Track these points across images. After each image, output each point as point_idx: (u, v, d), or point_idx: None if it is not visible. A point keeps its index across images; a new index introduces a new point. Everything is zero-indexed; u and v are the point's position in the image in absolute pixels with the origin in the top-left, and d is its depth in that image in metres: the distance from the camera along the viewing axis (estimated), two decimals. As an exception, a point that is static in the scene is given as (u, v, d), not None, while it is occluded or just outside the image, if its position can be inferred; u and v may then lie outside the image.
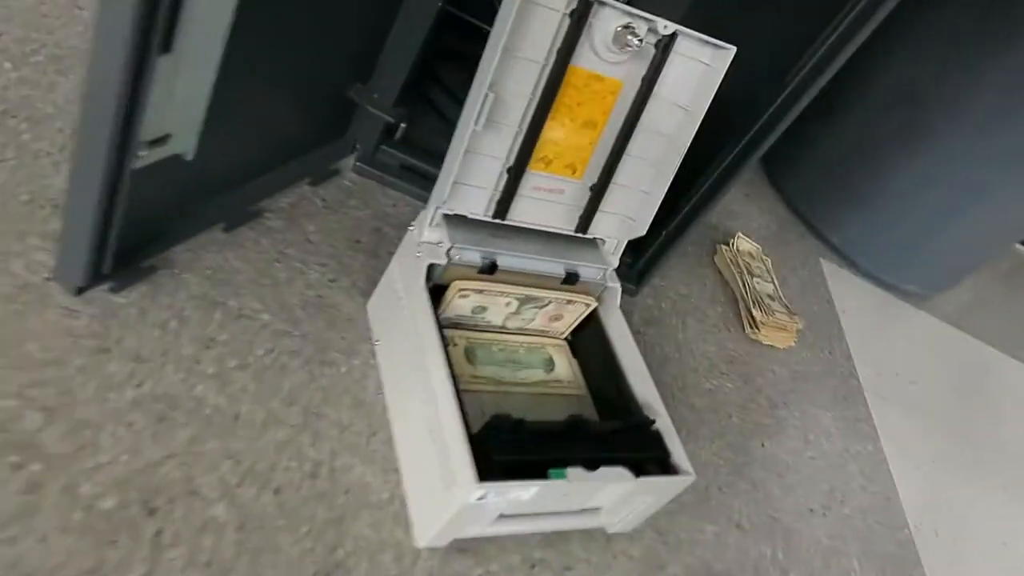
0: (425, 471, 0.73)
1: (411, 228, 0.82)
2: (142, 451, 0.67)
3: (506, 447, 0.70)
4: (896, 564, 1.07)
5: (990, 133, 1.42)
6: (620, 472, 0.74)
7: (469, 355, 0.85)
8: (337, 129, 1.04)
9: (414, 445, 0.77)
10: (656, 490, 0.79)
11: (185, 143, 0.68)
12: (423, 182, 1.07)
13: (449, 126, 1.15)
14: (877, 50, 1.53)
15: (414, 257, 0.80)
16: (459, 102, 1.19)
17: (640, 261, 1.16)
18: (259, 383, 0.77)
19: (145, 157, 0.64)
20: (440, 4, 0.94)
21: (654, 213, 0.89)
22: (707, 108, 0.82)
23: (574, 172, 0.84)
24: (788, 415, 1.18)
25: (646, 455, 0.79)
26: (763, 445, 1.10)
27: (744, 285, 1.29)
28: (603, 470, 0.73)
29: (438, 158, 0.79)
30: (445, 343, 0.76)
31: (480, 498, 0.67)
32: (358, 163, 1.05)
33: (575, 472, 0.71)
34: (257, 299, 0.84)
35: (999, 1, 1.36)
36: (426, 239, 0.80)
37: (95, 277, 0.72)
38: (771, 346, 1.28)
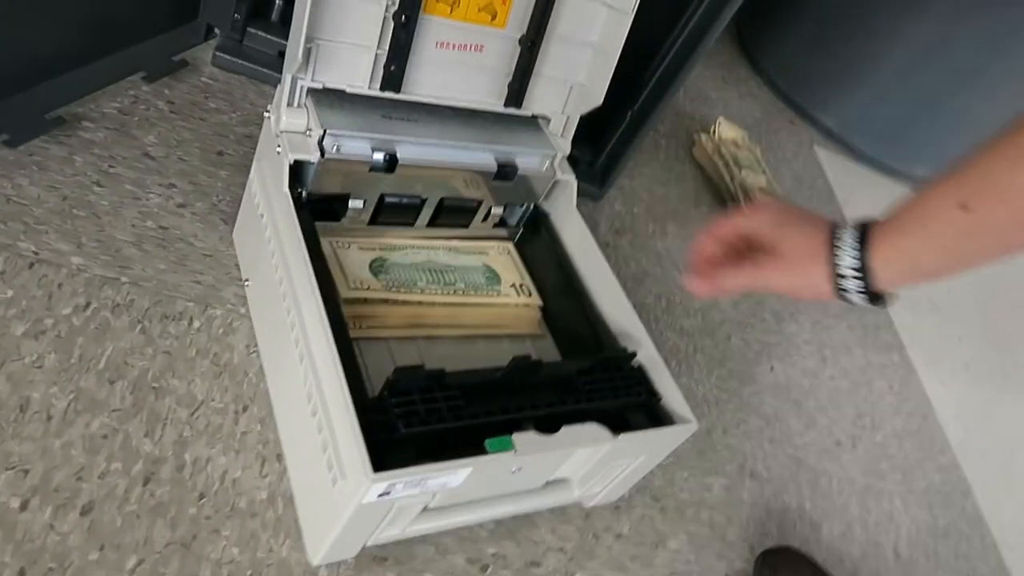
0: (311, 458, 0.50)
1: (267, 115, 0.57)
2: None
3: (418, 413, 0.48)
4: (943, 496, 0.88)
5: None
6: (591, 431, 0.51)
7: (376, 265, 0.62)
8: (183, 10, 0.78)
9: (296, 421, 0.54)
10: (645, 447, 0.57)
11: None
12: (311, 74, 0.82)
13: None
14: None
15: (274, 153, 0.56)
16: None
17: (602, 156, 0.92)
18: (62, 354, 0.53)
19: None
20: None
21: (610, 74, 0.64)
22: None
23: (493, 18, 0.60)
24: (798, 330, 0.97)
25: (627, 400, 0.56)
26: (772, 369, 0.89)
27: (731, 178, 1.05)
28: (567, 430, 0.51)
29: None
30: (324, 269, 0.53)
31: (383, 495, 0.45)
32: (218, 52, 0.79)
33: (525, 438, 0.49)
34: (64, 237, 0.59)
35: None
36: (287, 127, 0.55)
37: None
38: (769, 249, 1.05)
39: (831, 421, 0.87)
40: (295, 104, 0.56)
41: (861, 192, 1.33)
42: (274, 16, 0.83)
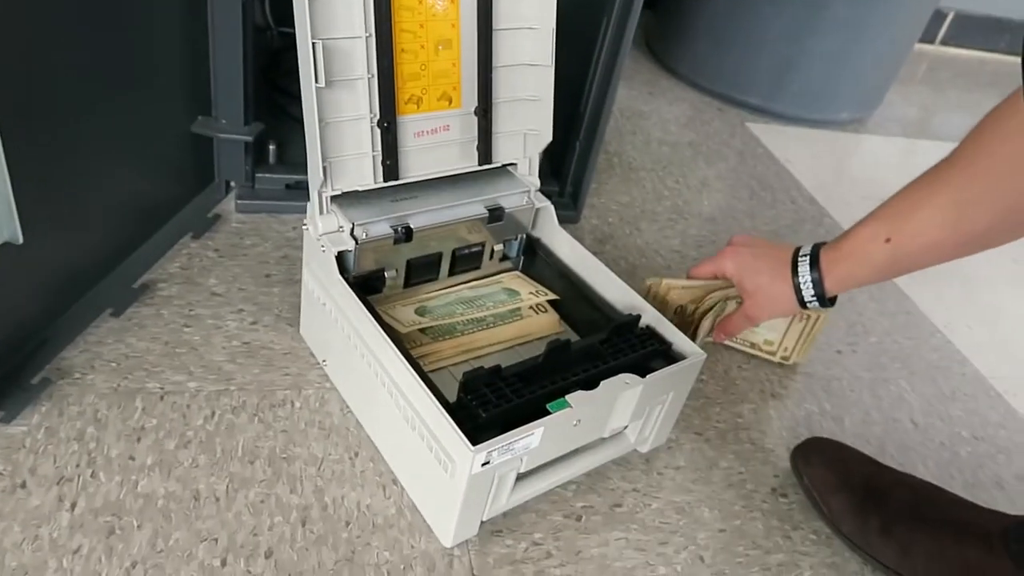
0: (421, 467, 0.64)
1: (304, 227, 0.73)
2: (100, 573, 0.58)
3: (491, 400, 0.62)
4: (943, 369, 1.01)
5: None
6: (625, 379, 0.66)
7: (419, 311, 0.77)
8: (203, 175, 0.95)
9: (399, 446, 0.68)
10: (670, 383, 0.70)
11: (3, 224, 0.59)
12: (315, 194, 0.99)
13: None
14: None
15: (320, 253, 0.72)
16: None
17: (567, 183, 1.08)
18: (209, 453, 0.68)
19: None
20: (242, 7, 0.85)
21: (551, 115, 0.81)
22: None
23: (451, 102, 0.76)
24: (777, 274, 1.11)
25: (645, 352, 0.71)
26: (765, 311, 1.03)
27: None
28: (605, 383, 0.65)
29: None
30: (383, 323, 0.68)
31: (485, 464, 0.58)
32: (239, 200, 0.96)
33: (577, 396, 0.63)
34: (177, 371, 0.75)
35: None
36: (324, 230, 0.71)
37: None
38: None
39: (828, 338, 1.01)
40: (324, 211, 0.71)
41: (797, 149, 1.49)
42: (271, 159, 1.00)
